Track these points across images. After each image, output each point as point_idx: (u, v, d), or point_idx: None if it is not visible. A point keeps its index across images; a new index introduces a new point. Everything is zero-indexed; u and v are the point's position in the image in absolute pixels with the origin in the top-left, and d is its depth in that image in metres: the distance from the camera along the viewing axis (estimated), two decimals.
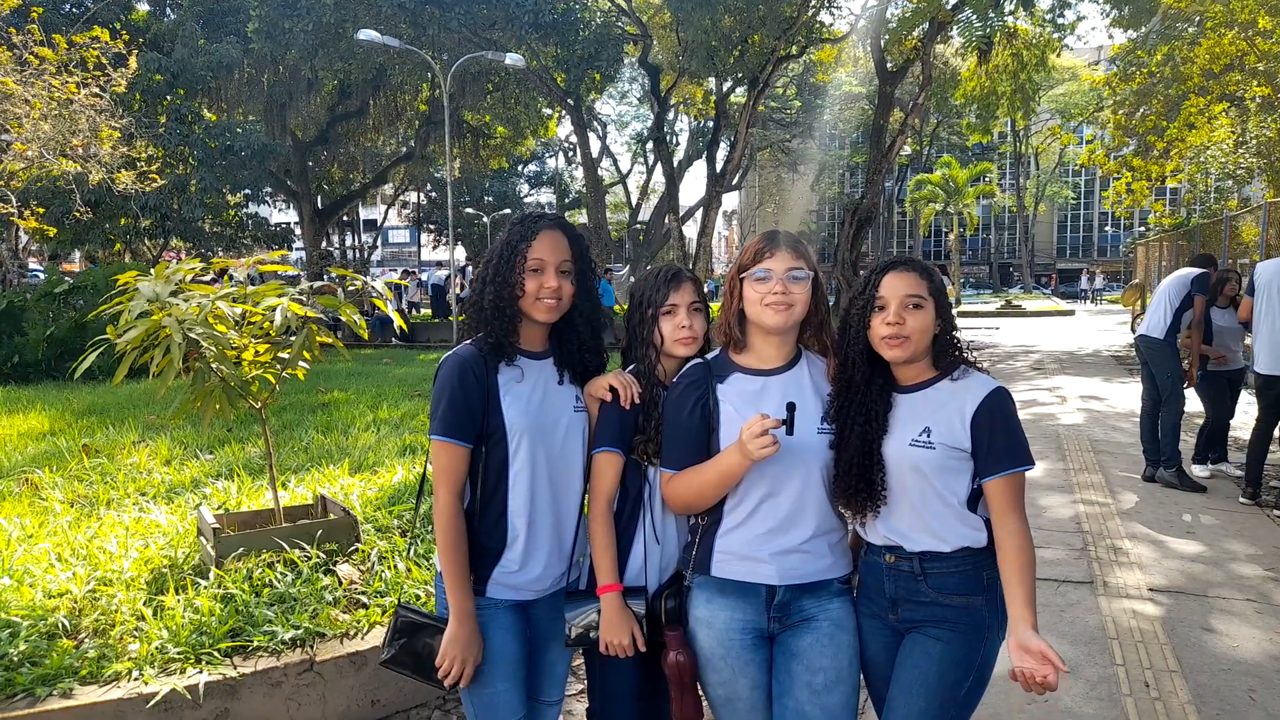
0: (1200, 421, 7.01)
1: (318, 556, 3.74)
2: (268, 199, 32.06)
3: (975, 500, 1.96)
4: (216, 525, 3.75)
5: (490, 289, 2.04)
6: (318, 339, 3.67)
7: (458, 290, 20.89)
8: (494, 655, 2.01)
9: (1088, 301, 41.39)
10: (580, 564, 2.18)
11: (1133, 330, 19.32)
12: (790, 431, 1.82)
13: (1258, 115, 16.82)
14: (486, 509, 2.04)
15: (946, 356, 2.01)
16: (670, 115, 32.73)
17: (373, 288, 3.93)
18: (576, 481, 2.14)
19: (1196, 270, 6.56)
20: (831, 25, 25.49)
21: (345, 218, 40.93)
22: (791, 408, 1.84)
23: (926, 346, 1.99)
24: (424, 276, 31.04)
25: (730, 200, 58.28)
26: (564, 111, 25.65)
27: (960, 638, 1.94)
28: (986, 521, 1.96)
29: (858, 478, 1.97)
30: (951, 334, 2.02)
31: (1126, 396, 10.93)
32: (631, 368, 2.22)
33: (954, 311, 2.08)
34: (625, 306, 2.42)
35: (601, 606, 2.07)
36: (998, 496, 1.91)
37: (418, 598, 3.52)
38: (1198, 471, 6.59)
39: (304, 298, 3.62)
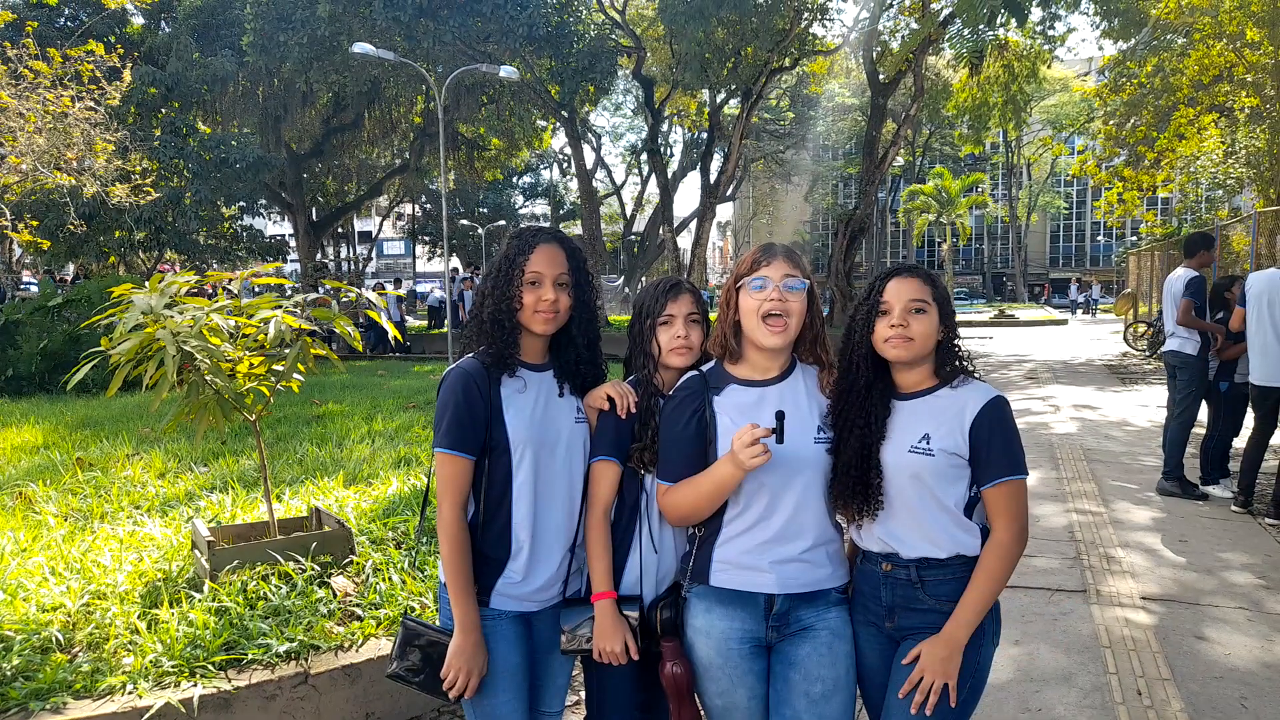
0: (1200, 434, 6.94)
1: (312, 569, 3.73)
2: (262, 211, 32.07)
3: (972, 507, 1.99)
4: (211, 538, 3.74)
5: (489, 302, 2.07)
6: (312, 351, 3.67)
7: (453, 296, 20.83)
8: (497, 666, 2.02)
9: (1080, 313, 41.38)
10: (582, 573, 2.20)
11: (1125, 340, 19.41)
12: (780, 440, 1.84)
13: (1247, 125, 16.96)
14: (491, 520, 2.06)
15: (948, 364, 2.03)
16: (664, 127, 32.90)
17: (367, 299, 3.94)
18: (579, 493, 2.16)
19: (1189, 274, 6.45)
20: (824, 38, 25.65)
21: (340, 230, 40.97)
22: (780, 416, 1.86)
23: (929, 351, 2.02)
24: (421, 289, 30.93)
25: (724, 211, 58.47)
26: (558, 123, 25.73)
27: None
28: (983, 529, 1.99)
29: (855, 481, 1.99)
30: (954, 341, 2.05)
31: (1119, 405, 10.98)
32: (631, 378, 2.24)
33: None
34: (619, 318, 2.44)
35: (595, 614, 2.09)
36: (993, 503, 1.95)
37: (413, 609, 3.52)
38: (1216, 492, 6.40)
39: (298, 310, 3.63)
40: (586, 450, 2.17)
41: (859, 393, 2.02)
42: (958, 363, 2.04)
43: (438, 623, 2.13)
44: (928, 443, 1.96)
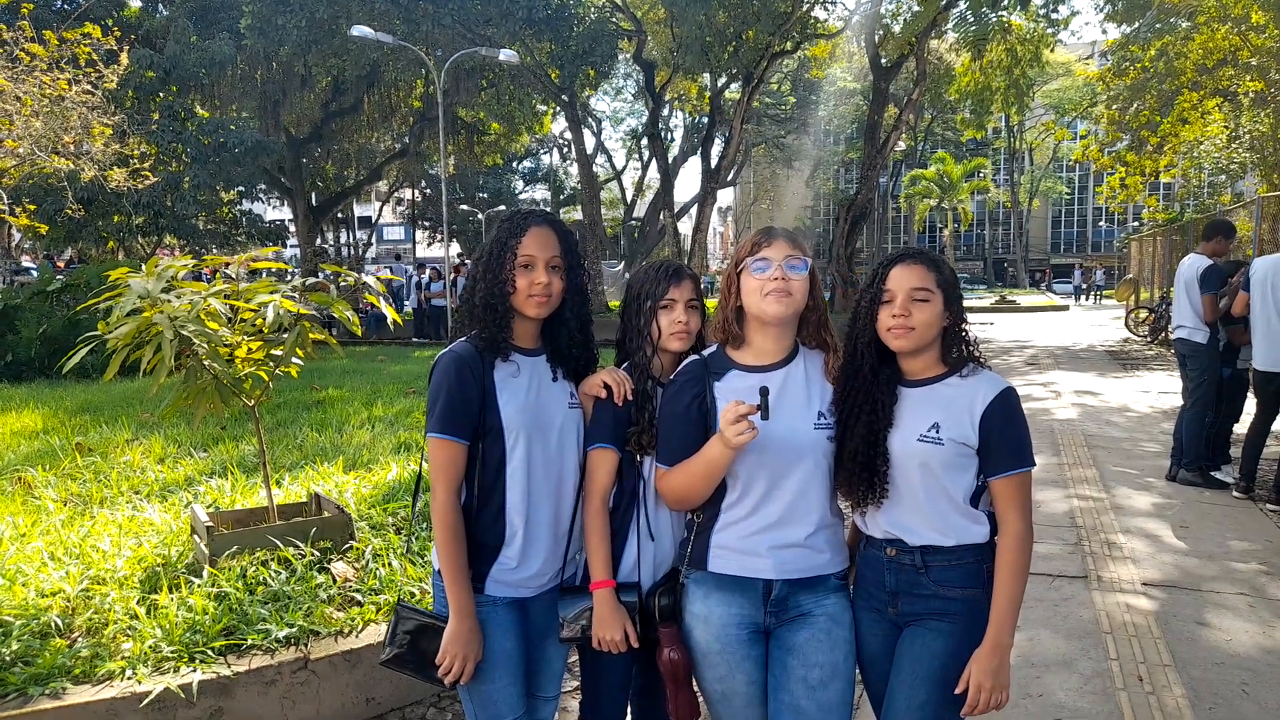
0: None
1: (312, 554, 3.73)
2: (261, 196, 32.00)
3: (978, 496, 1.97)
4: (210, 523, 3.74)
5: (481, 286, 2.04)
6: (311, 336, 3.65)
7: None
8: (493, 652, 2.01)
9: (1084, 299, 41.20)
10: (577, 560, 2.18)
11: (1126, 325, 19.38)
12: (765, 416, 1.81)
13: (1251, 110, 16.86)
14: (485, 506, 2.04)
15: (955, 351, 2.01)
16: (665, 111, 32.74)
17: (366, 284, 3.91)
18: (572, 478, 2.14)
19: (1203, 263, 6.34)
20: (826, 21, 25.52)
21: (339, 214, 40.84)
22: (764, 392, 1.84)
23: (933, 338, 1.99)
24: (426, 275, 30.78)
25: (725, 196, 58.27)
26: (558, 108, 25.64)
27: (961, 630, 1.94)
28: (989, 516, 1.98)
29: (861, 468, 1.98)
30: (960, 327, 2.02)
31: (1120, 391, 10.97)
32: (625, 364, 2.22)
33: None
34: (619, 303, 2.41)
35: (594, 602, 2.08)
36: (1002, 495, 1.94)
37: (412, 595, 3.52)
38: (1218, 478, 6.37)
39: (297, 294, 3.60)
40: (580, 435, 2.15)
41: (865, 380, 2.00)
42: (965, 349, 2.02)
43: (433, 609, 2.12)
44: (937, 432, 1.94)
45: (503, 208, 41.18)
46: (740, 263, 2.03)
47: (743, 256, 2.03)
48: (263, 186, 28.60)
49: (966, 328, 2.04)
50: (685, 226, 34.04)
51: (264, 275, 4.19)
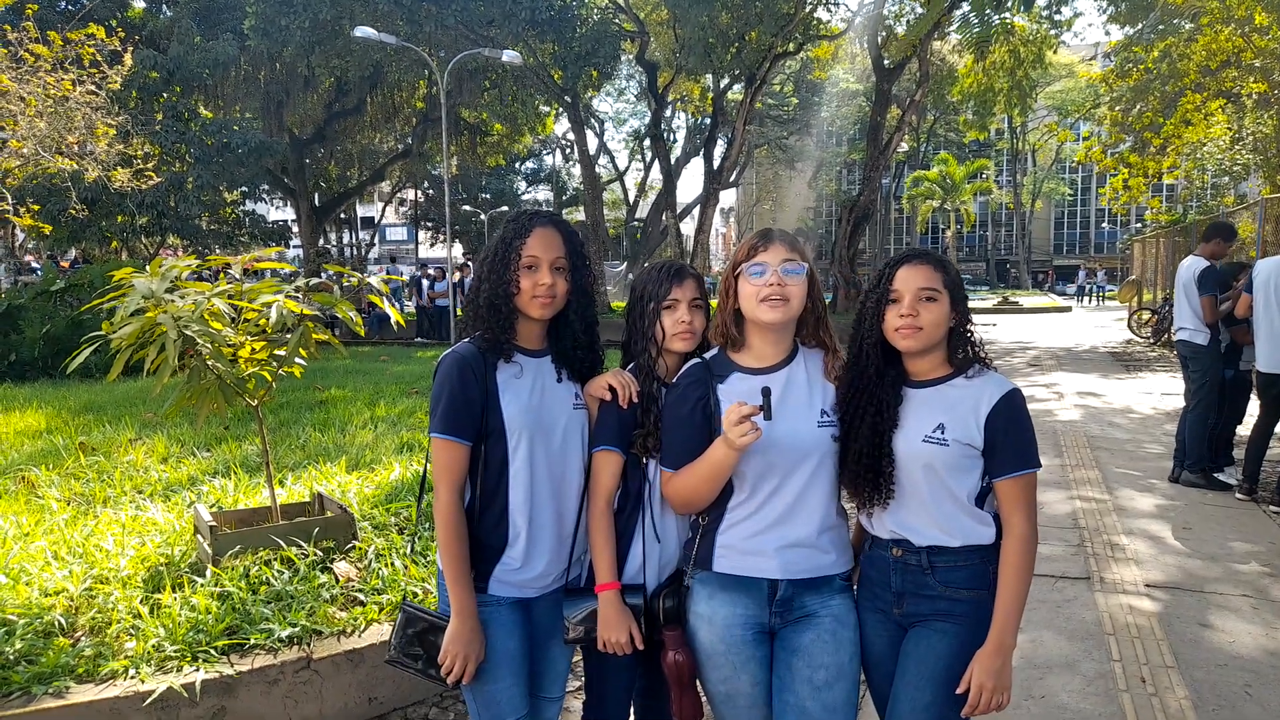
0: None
1: (315, 554, 3.73)
2: (265, 196, 32.00)
3: (983, 497, 1.97)
4: (213, 523, 3.74)
5: (486, 286, 2.04)
6: (314, 336, 3.66)
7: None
8: (496, 652, 2.01)
9: (1087, 299, 41.11)
10: (582, 562, 2.18)
11: (1129, 327, 19.36)
12: (768, 416, 1.82)
13: (1254, 112, 16.84)
14: (488, 507, 2.04)
15: (961, 351, 2.01)
16: (668, 112, 32.72)
17: (369, 284, 3.92)
18: (576, 479, 2.13)
19: (1200, 264, 6.36)
20: (829, 22, 25.51)
21: (343, 215, 40.94)
22: (766, 393, 1.84)
23: (940, 339, 1.99)
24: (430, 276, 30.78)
25: (728, 197, 58.22)
26: (561, 109, 25.66)
27: (967, 631, 1.94)
28: (995, 517, 1.98)
29: (867, 469, 1.98)
30: (966, 328, 2.02)
31: (1123, 393, 10.95)
32: (631, 365, 2.22)
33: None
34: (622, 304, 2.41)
35: (599, 604, 2.07)
36: (1007, 496, 1.93)
37: (415, 595, 3.52)
38: (1220, 479, 6.37)
39: (300, 295, 3.61)
40: (585, 436, 2.15)
41: (869, 380, 2.00)
42: (970, 350, 2.02)
43: (437, 609, 2.12)
44: (942, 433, 1.94)
45: (505, 208, 41.21)
46: (737, 266, 2.03)
47: (740, 260, 2.03)
48: (266, 187, 28.62)
49: (972, 329, 2.04)
50: (688, 227, 34.05)
51: (267, 275, 4.20)
